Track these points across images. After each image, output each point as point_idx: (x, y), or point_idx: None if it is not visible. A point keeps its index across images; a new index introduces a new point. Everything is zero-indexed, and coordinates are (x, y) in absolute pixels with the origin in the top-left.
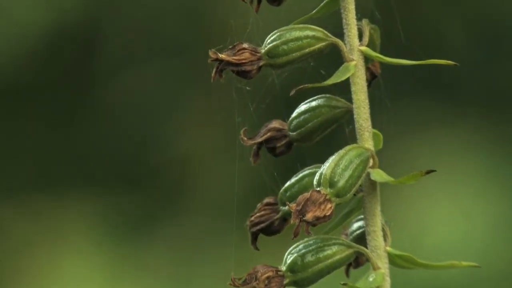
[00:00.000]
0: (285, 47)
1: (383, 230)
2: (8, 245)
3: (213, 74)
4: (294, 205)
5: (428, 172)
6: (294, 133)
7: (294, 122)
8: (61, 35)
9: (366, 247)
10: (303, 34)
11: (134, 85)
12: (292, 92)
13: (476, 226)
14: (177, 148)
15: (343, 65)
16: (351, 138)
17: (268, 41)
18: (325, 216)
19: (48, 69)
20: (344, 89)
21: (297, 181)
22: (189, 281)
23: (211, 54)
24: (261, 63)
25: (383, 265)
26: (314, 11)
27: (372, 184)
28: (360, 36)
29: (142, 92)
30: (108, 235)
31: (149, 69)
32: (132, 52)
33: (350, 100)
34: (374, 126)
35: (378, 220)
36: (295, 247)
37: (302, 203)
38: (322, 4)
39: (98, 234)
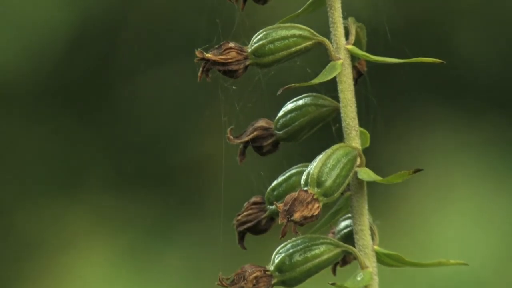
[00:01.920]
0: (271, 46)
1: (370, 229)
2: (16, 246)
3: (199, 74)
4: (282, 204)
5: (415, 171)
6: (281, 132)
7: (281, 121)
8: (80, 41)
9: (354, 246)
10: (290, 33)
11: (134, 92)
12: (279, 92)
13: (474, 225)
14: (184, 151)
15: (329, 64)
16: (338, 136)
17: (255, 40)
18: (312, 216)
19: (61, 77)
20: (330, 87)
21: (284, 180)
22: (197, 279)
23: (198, 53)
24: (247, 62)
25: (371, 264)
26: (300, 9)
27: (360, 183)
28: (347, 35)
29: (143, 98)
30: (118, 237)
31: (157, 73)
32: (141, 58)
33: (336, 98)
34: (360, 124)
35: (365, 219)
36: (283, 247)
37: (290, 203)
38: (308, 2)
39: (106, 236)
